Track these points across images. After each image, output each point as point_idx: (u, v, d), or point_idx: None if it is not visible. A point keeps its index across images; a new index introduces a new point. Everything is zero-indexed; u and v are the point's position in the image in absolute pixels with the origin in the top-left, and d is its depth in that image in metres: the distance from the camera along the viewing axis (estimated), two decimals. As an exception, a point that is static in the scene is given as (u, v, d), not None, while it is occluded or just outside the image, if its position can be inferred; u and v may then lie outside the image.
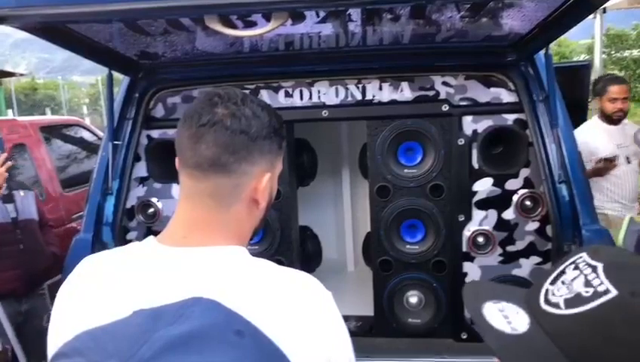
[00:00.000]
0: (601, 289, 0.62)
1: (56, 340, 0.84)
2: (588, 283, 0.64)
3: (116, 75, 2.23)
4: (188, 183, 0.88)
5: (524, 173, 2.15)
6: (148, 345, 0.53)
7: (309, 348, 0.76)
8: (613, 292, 0.61)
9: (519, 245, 2.17)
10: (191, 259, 0.83)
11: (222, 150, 0.84)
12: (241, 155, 0.85)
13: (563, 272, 0.68)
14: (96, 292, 0.82)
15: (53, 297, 0.90)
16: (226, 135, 0.84)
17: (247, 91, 2.24)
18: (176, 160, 0.90)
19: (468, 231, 2.19)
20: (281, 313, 0.77)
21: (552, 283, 0.68)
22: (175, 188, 2.35)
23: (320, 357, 0.76)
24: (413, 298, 2.27)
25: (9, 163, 2.77)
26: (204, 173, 0.85)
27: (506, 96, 2.14)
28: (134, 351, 0.52)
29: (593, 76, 4.13)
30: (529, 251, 2.16)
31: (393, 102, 2.20)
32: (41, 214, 3.02)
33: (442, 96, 2.17)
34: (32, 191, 3.08)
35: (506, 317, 0.69)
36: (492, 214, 2.18)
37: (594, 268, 0.65)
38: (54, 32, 1.64)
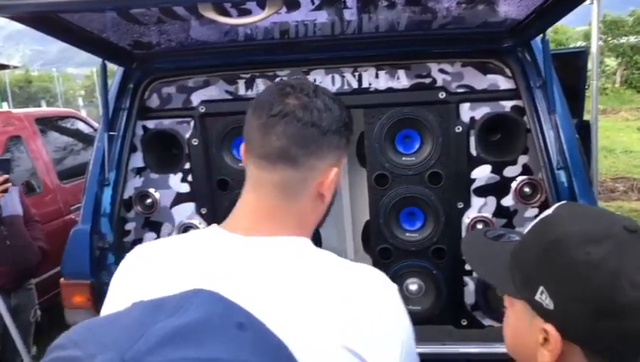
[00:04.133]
0: (545, 213, 0.78)
1: None
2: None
3: (111, 65, 2.21)
4: (255, 173, 0.86)
5: (523, 159, 2.14)
6: (145, 337, 0.51)
7: (324, 346, 0.72)
8: (549, 211, 0.76)
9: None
10: (256, 248, 0.81)
11: (292, 142, 0.82)
12: (311, 149, 0.83)
13: None
14: (136, 283, 0.82)
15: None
16: (297, 127, 0.82)
17: (242, 80, 2.24)
18: (242, 147, 0.89)
19: (467, 218, 2.19)
20: (301, 308, 0.74)
21: None
22: (172, 179, 2.34)
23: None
24: (413, 285, 2.27)
25: (5, 176, 2.72)
26: (273, 164, 0.83)
27: (503, 83, 2.13)
28: (131, 343, 0.51)
29: (590, 63, 4.11)
30: None
31: (390, 90, 2.19)
32: (26, 209, 2.99)
33: (439, 83, 2.16)
34: (17, 186, 3.04)
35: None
36: (491, 201, 2.18)
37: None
38: (46, 21, 1.61)
